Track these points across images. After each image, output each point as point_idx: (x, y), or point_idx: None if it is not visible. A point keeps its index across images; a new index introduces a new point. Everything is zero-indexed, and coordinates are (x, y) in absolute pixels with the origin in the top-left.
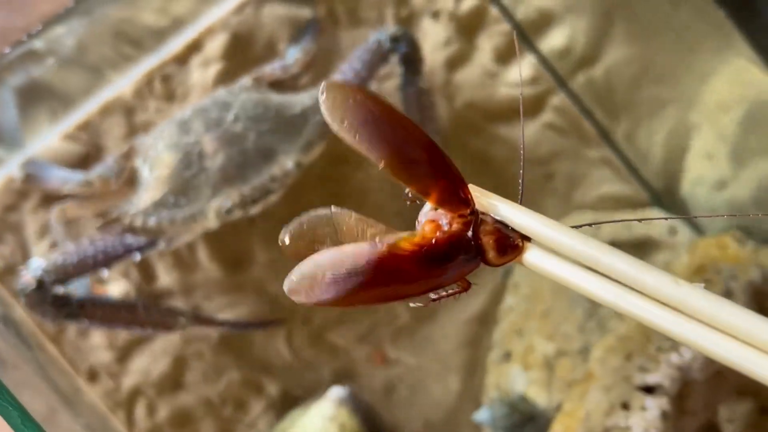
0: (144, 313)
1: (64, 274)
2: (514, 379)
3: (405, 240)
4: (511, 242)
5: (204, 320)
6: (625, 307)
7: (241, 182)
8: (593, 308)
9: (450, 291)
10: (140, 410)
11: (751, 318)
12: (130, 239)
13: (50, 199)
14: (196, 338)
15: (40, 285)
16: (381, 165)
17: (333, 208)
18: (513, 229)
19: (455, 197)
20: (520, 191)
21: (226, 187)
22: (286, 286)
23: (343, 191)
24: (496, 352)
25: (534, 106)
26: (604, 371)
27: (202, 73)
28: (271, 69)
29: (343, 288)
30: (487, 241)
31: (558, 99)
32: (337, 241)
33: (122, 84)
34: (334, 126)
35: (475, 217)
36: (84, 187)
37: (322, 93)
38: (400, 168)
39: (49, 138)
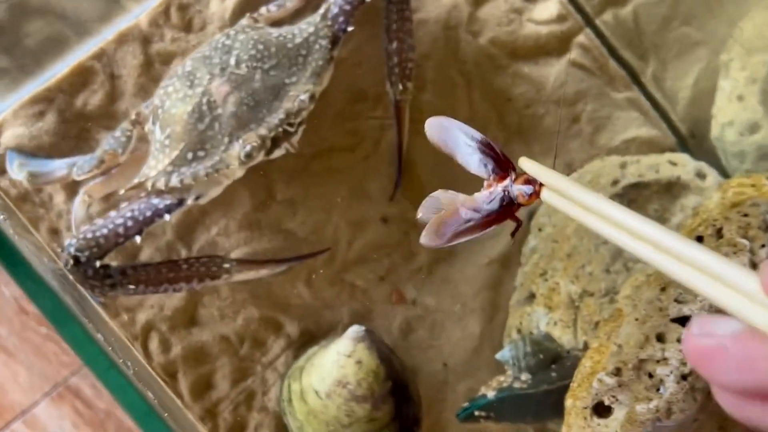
0: (187, 268)
1: (98, 248)
2: (538, 320)
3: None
4: (531, 190)
5: (249, 263)
6: (611, 236)
7: (256, 124)
8: (619, 250)
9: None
10: (154, 345)
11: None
12: (157, 201)
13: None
14: None
15: (77, 262)
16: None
17: (438, 192)
18: (536, 182)
19: (500, 171)
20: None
21: (242, 133)
22: (422, 241)
23: (360, 128)
24: (519, 293)
25: (560, 44)
26: (637, 304)
27: (219, 2)
28: (266, 9)
29: (449, 234)
30: (518, 192)
31: (584, 38)
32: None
33: (138, 12)
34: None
35: (511, 178)
36: (95, 168)
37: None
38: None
39: (62, 68)
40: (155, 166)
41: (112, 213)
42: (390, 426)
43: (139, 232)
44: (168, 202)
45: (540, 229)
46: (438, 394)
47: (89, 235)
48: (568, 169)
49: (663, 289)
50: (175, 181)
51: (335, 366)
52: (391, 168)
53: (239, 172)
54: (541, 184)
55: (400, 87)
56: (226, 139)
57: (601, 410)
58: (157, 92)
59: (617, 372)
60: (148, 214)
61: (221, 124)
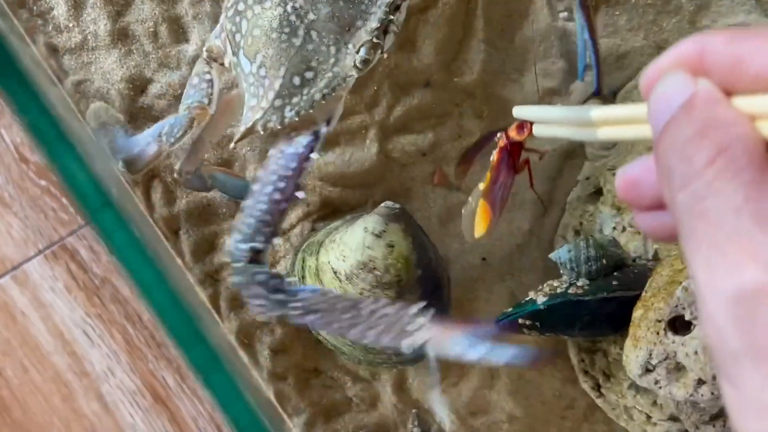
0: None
1: (262, 234)
2: (602, 222)
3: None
4: (524, 130)
5: None
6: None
7: (362, 20)
8: None
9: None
10: (157, 195)
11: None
12: (293, 149)
13: None
14: None
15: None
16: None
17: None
18: (528, 123)
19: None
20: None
21: (348, 36)
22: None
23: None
24: (582, 188)
25: None
26: None
27: None
28: None
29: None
30: (512, 132)
31: None
32: None
33: None
34: None
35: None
36: (186, 129)
37: None
38: None
39: None
40: (258, 104)
41: (256, 186)
42: None
43: (298, 188)
44: (306, 141)
45: None
46: (469, 292)
47: (251, 222)
48: (659, 50)
49: None
50: (290, 115)
51: (361, 246)
52: (455, 27)
53: (353, 80)
54: (531, 123)
55: None
56: (332, 49)
57: (679, 326)
58: (225, 15)
59: None
60: (294, 165)
61: (320, 32)
